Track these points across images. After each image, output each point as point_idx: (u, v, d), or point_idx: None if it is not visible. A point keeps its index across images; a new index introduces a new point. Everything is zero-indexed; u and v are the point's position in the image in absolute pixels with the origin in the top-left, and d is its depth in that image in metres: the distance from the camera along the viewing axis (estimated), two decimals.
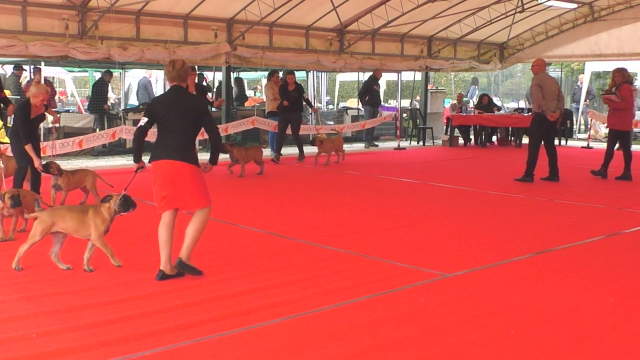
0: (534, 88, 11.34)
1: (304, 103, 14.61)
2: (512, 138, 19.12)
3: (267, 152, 14.11)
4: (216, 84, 18.45)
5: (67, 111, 18.14)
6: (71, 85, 23.94)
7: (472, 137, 19.64)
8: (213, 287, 5.21)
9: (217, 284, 5.27)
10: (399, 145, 17.47)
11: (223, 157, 9.05)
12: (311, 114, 17.61)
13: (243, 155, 12.05)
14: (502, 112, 20.54)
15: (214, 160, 5.69)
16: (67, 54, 13.02)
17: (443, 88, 25.89)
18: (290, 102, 13.89)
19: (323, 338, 4.18)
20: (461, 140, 19.21)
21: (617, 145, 12.15)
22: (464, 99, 21.51)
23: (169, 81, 5.65)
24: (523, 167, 11.61)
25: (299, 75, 22.21)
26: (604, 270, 5.93)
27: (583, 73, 21.87)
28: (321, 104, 23.04)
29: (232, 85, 18.06)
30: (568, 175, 12.14)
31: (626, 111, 11.88)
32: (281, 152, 14.38)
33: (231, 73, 16.58)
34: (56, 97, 19.15)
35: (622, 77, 12.01)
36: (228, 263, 5.95)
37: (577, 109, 21.34)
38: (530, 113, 18.93)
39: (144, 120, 5.53)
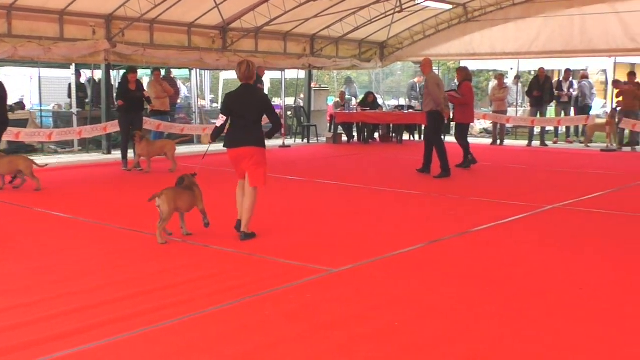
0: (433, 87, 11.62)
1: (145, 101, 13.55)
2: (393, 135, 19.52)
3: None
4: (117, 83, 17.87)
5: None
6: None
7: (355, 134, 19.95)
8: (96, 293, 5.03)
9: (100, 290, 5.10)
10: (283, 143, 17.53)
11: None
12: (185, 114, 17.34)
13: (146, 151, 12.02)
14: (384, 110, 21.02)
15: (270, 135, 7.01)
16: None
17: (326, 86, 26.18)
18: (134, 101, 12.77)
19: (212, 339, 4.13)
20: (345, 138, 19.47)
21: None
22: (346, 96, 21.90)
23: (240, 80, 6.84)
24: (406, 163, 12.07)
25: (182, 73, 21.89)
26: (485, 260, 6.15)
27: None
28: (205, 102, 22.84)
29: (117, 83, 17.44)
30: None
31: (468, 106, 12.93)
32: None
33: (111, 71, 16.11)
34: None
35: (463, 76, 13.11)
36: (116, 267, 5.78)
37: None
38: (410, 110, 19.70)
39: (222, 120, 6.80)
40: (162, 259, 6.06)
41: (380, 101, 22.46)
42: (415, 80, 22.46)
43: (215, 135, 6.97)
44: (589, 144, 17.79)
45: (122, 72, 16.47)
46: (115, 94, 13.50)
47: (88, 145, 15.89)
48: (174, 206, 6.78)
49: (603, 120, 18.03)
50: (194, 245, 6.59)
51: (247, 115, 6.85)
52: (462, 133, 13.11)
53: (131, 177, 11.78)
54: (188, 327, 4.33)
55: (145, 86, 13.45)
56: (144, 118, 14.50)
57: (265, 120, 7.02)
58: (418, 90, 20.92)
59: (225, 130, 7.00)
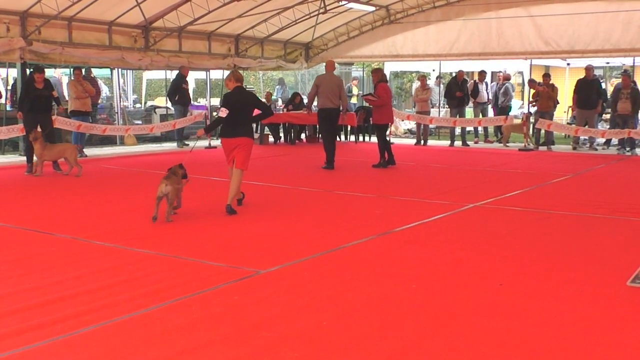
0: (312, 87, 12.97)
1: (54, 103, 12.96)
2: (320, 136, 19.61)
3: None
4: (11, 81, 17.30)
5: None
6: None
7: (281, 135, 19.93)
8: (14, 298, 4.86)
9: (19, 295, 4.93)
10: (209, 144, 17.34)
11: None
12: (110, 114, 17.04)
13: (39, 153, 11.56)
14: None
15: (262, 118, 9.11)
16: None
17: (252, 87, 26.08)
18: (40, 101, 12.12)
19: (136, 344, 4.05)
20: (271, 138, 19.45)
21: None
22: (272, 97, 21.86)
23: (234, 83, 8.50)
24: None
25: (103, 72, 21.38)
26: (409, 258, 6.24)
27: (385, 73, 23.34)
28: (128, 102, 22.41)
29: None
30: (368, 171, 12.86)
31: (385, 107, 13.21)
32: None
33: (27, 70, 15.58)
34: None
35: (378, 77, 13.42)
36: (30, 272, 5.57)
37: None
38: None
39: (226, 112, 8.24)
40: (82, 263, 5.88)
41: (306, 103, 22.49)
42: (350, 84, 22.95)
43: (213, 127, 9.09)
44: (507, 144, 18.24)
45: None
46: (19, 95, 12.89)
47: (4, 146, 15.38)
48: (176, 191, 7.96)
49: (519, 121, 18.58)
50: (116, 248, 6.42)
51: (242, 111, 8.52)
52: (381, 134, 13.33)
53: (32, 180, 11.36)
54: (110, 333, 4.22)
55: (64, 86, 13.09)
56: (64, 119, 14.17)
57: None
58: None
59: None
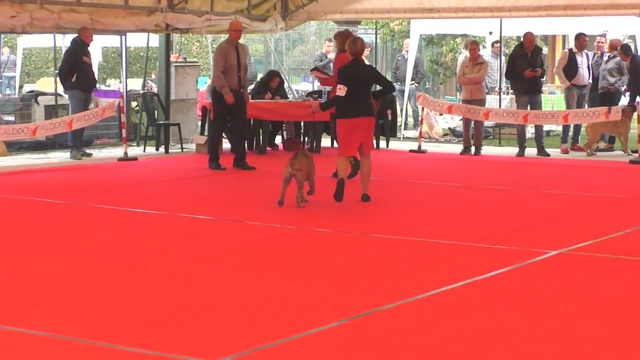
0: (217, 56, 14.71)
1: None
2: (306, 139, 18.36)
3: None
4: None
5: None
6: None
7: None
8: None
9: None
10: (126, 154, 16.59)
11: None
12: None
13: None
14: (291, 98, 20.10)
15: (379, 96, 12.42)
16: None
17: (196, 60, 25.18)
18: None
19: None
20: (227, 143, 17.82)
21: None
22: None
23: (351, 55, 11.33)
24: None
25: None
26: (453, 339, 6.05)
27: (409, 37, 22.35)
28: None
29: None
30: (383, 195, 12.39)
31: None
32: None
33: None
34: None
35: (341, 43, 13.07)
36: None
37: (402, 92, 21.53)
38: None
39: (344, 90, 10.90)
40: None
41: (286, 85, 21.57)
42: (324, 50, 21.99)
43: (330, 106, 11.89)
44: (596, 151, 17.77)
45: None
46: None
47: None
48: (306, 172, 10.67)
49: (619, 115, 17.43)
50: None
51: (362, 88, 11.18)
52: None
53: None
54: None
55: None
56: None
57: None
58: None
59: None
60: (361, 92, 11.13)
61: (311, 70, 13.34)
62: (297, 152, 10.62)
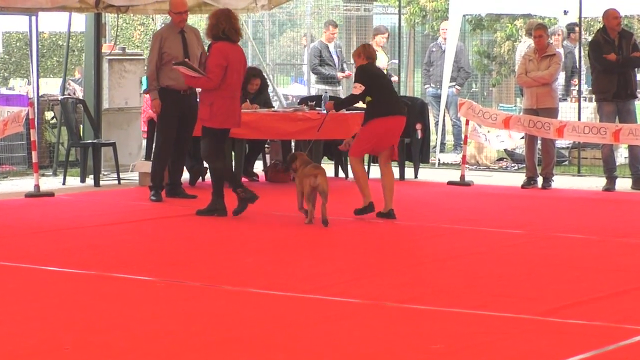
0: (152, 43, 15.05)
1: None
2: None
3: None
4: None
5: None
6: None
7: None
8: None
9: None
10: (37, 187, 16.17)
11: None
12: None
13: None
14: (277, 107, 19.19)
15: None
16: None
17: (139, 52, 25.38)
18: None
19: None
20: (186, 174, 17.23)
21: None
22: None
23: (364, 60, 13.79)
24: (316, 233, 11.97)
25: None
26: None
27: (447, 18, 22.07)
28: None
29: None
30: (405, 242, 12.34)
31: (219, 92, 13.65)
32: None
33: None
34: None
35: (213, 28, 13.54)
36: None
37: (438, 98, 21.29)
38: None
39: (361, 89, 13.40)
40: None
41: (271, 89, 20.27)
42: (324, 39, 21.22)
43: (347, 104, 14.70)
44: None
45: None
46: None
47: None
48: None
49: None
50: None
51: (389, 82, 13.87)
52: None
53: None
54: None
55: None
56: None
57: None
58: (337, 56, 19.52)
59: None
60: (391, 87, 13.30)
61: (174, 64, 13.44)
62: (297, 156, 12.21)
